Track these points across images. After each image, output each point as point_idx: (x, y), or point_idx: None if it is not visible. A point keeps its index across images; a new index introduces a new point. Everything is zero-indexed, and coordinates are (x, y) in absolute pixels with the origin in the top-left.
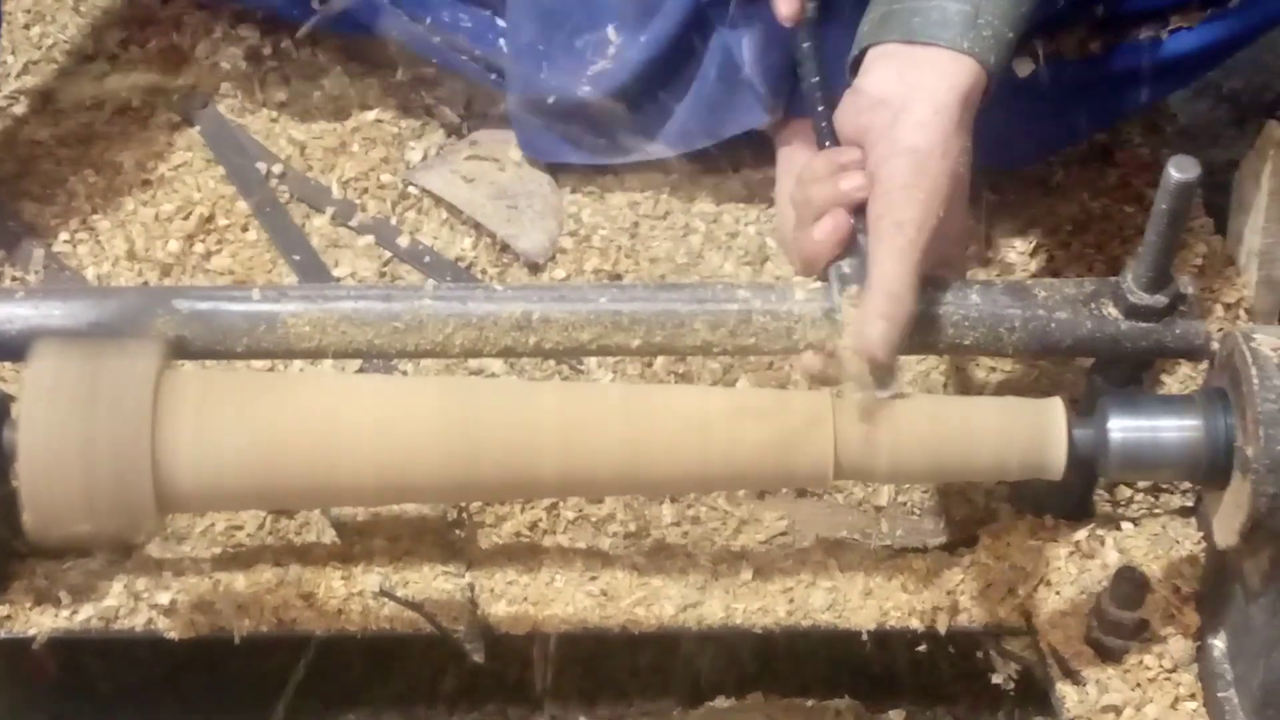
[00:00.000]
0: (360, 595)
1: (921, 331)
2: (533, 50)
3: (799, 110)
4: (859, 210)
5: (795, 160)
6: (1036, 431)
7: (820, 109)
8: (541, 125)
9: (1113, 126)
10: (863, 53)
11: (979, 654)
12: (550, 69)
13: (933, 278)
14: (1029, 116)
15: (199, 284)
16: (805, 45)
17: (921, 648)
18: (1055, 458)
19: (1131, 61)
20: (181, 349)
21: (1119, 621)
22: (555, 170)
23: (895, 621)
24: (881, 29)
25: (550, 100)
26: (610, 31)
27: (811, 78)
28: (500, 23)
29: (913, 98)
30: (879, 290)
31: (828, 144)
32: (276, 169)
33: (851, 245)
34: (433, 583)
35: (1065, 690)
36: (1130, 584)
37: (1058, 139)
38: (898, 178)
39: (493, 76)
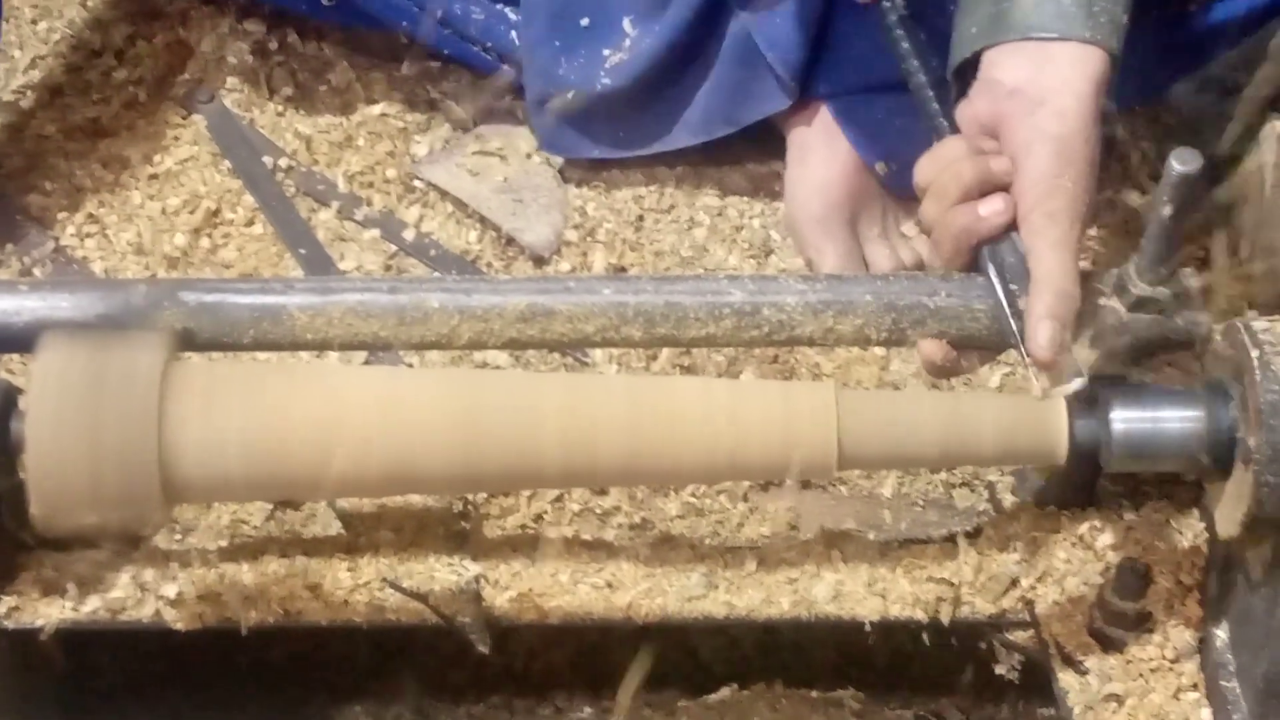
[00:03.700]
0: (366, 586)
1: (923, 323)
2: (549, 45)
3: (815, 92)
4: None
5: (808, 141)
6: (1038, 424)
7: (935, 105)
8: (559, 122)
9: (1159, 94)
10: (976, 54)
11: (982, 645)
12: (567, 64)
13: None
14: None
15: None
16: (902, 37)
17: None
18: (1057, 450)
19: (1181, 29)
20: (188, 341)
21: (1121, 612)
22: (561, 164)
23: (899, 612)
24: (996, 29)
25: (569, 95)
26: (626, 23)
27: (920, 76)
28: (512, 15)
29: (1050, 87)
30: (1046, 289)
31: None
32: (283, 163)
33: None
34: (438, 574)
35: (1068, 681)
36: (1133, 575)
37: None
38: (1045, 166)
39: (504, 67)
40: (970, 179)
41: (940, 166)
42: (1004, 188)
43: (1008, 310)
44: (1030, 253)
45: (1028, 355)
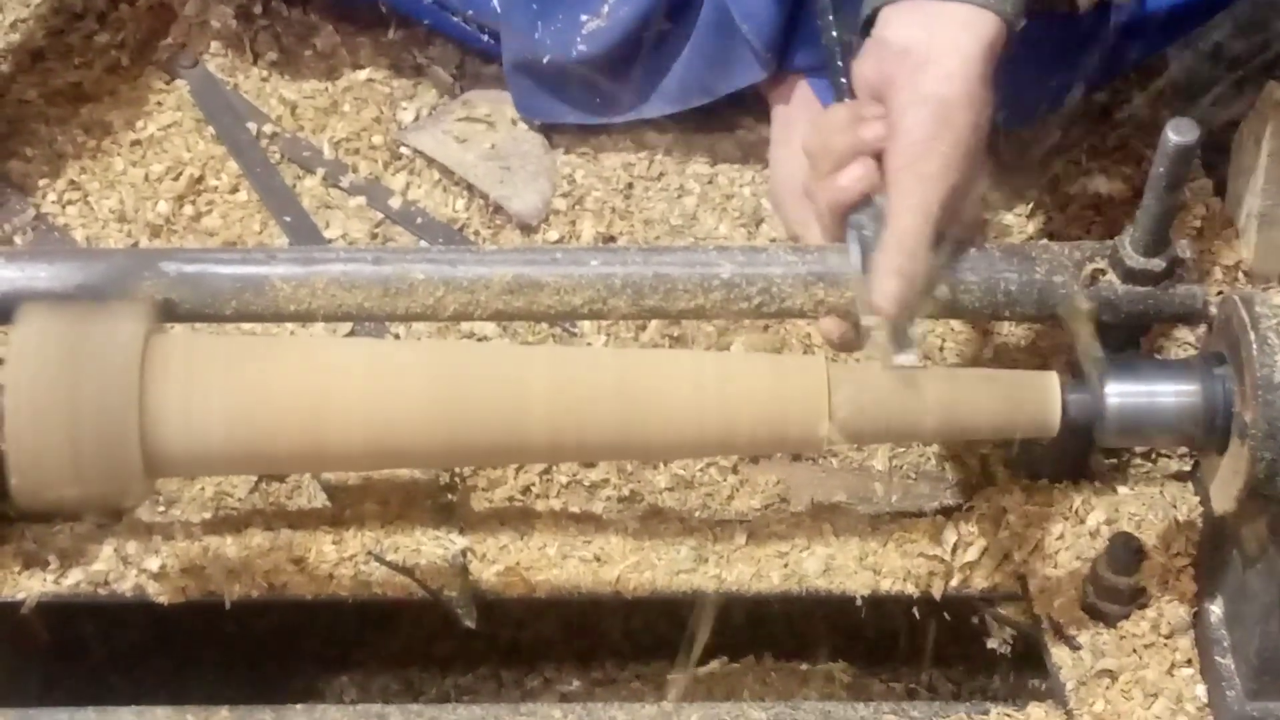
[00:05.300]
0: (351, 560)
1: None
2: (526, 10)
3: (795, 65)
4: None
5: (791, 117)
6: (1031, 398)
7: (840, 64)
8: (536, 85)
9: (1107, 84)
10: (875, 11)
11: (974, 619)
12: (544, 28)
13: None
14: (1020, 74)
15: (189, 245)
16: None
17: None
18: (1049, 424)
19: (1122, 16)
20: (169, 312)
21: (1115, 587)
22: (549, 131)
23: (890, 586)
24: None
25: (545, 60)
26: None
27: (831, 31)
28: None
29: (938, 48)
30: (894, 245)
31: (847, 99)
32: (267, 129)
33: (868, 200)
34: (424, 547)
35: (1060, 656)
36: (1127, 549)
37: (1051, 98)
38: (921, 128)
39: (485, 38)
40: (842, 149)
41: (819, 138)
42: (879, 155)
43: (860, 276)
44: (890, 212)
45: (870, 312)
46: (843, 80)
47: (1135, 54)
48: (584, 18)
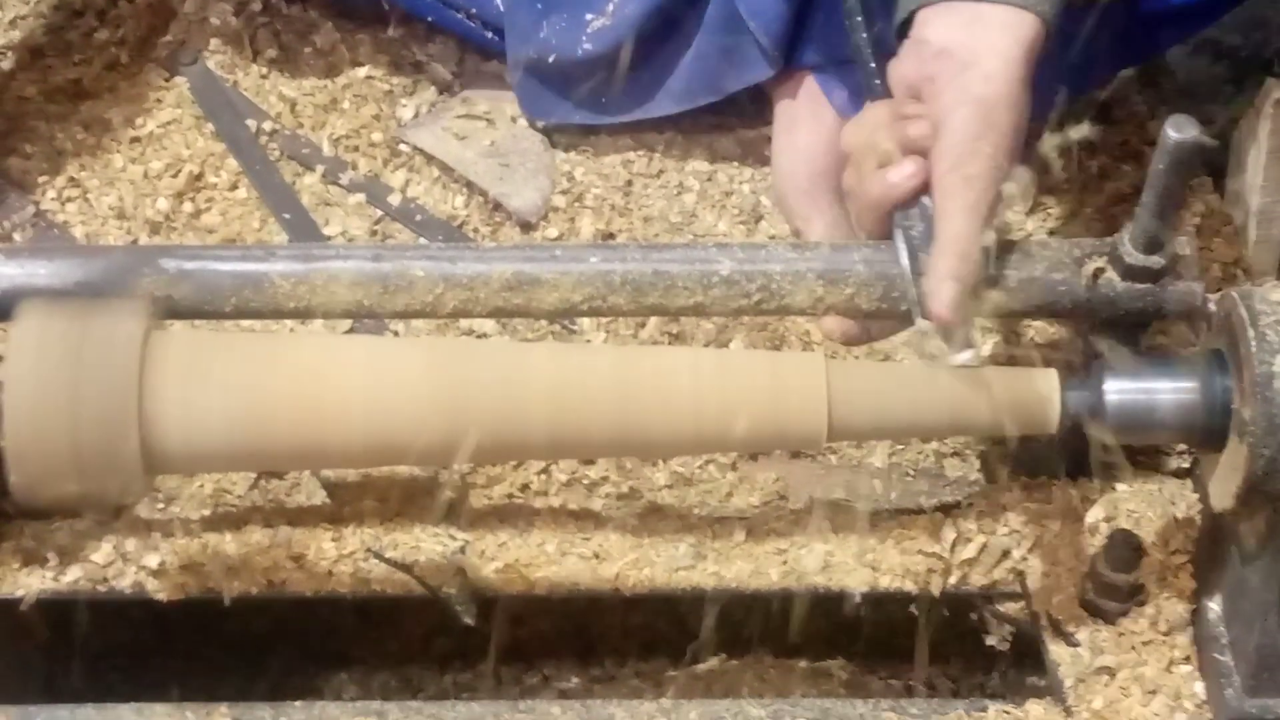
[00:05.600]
0: (350, 557)
1: None
2: (530, 7)
3: (801, 62)
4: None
5: (796, 113)
6: (1030, 394)
7: (872, 65)
8: (541, 86)
9: (1117, 75)
10: (911, 14)
11: (973, 616)
12: (549, 27)
13: None
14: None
15: (188, 242)
16: None
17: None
18: (1048, 421)
19: (1143, 8)
20: (169, 309)
21: (1114, 584)
22: (548, 128)
23: (889, 583)
24: None
25: (550, 59)
26: None
27: (861, 33)
28: None
29: (979, 50)
30: (950, 250)
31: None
32: (267, 126)
33: (914, 199)
34: (423, 544)
35: (1059, 652)
36: (1125, 547)
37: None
38: (966, 129)
39: (488, 34)
40: (889, 146)
41: (862, 134)
42: (923, 153)
43: (909, 277)
44: (939, 215)
45: (927, 318)
46: (876, 82)
47: (1160, 43)
48: (589, 16)
